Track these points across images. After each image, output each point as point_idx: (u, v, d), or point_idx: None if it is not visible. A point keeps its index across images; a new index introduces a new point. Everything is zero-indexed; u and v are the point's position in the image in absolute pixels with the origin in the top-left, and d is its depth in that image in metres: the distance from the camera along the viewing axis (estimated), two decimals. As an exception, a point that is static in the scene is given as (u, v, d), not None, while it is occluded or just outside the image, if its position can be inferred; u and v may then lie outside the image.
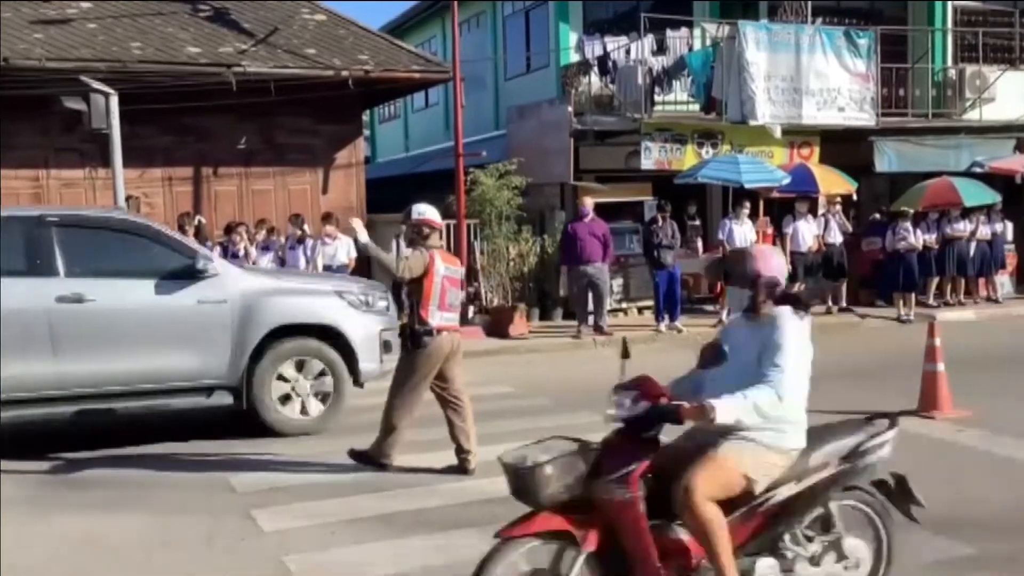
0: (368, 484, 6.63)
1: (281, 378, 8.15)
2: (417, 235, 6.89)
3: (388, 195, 17.35)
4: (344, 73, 14.18)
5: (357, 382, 8.45)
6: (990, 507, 5.88)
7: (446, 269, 6.84)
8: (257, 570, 5.15)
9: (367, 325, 8.43)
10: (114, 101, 11.52)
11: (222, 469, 7.15)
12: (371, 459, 6.96)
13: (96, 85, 11.47)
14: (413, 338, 6.75)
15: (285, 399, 8.17)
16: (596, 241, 13.53)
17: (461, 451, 6.93)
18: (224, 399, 8.04)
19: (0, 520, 5.79)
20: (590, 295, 13.59)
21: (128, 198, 12.18)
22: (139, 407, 7.93)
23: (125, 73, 12.65)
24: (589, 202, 13.91)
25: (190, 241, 9.03)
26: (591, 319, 13.64)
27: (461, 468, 6.90)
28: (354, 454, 7.05)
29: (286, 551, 5.36)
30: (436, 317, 6.73)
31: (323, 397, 8.30)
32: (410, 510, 6.05)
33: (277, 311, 8.12)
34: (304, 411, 8.26)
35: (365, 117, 20.46)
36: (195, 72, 13.33)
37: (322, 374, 8.28)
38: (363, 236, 6.76)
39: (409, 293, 6.88)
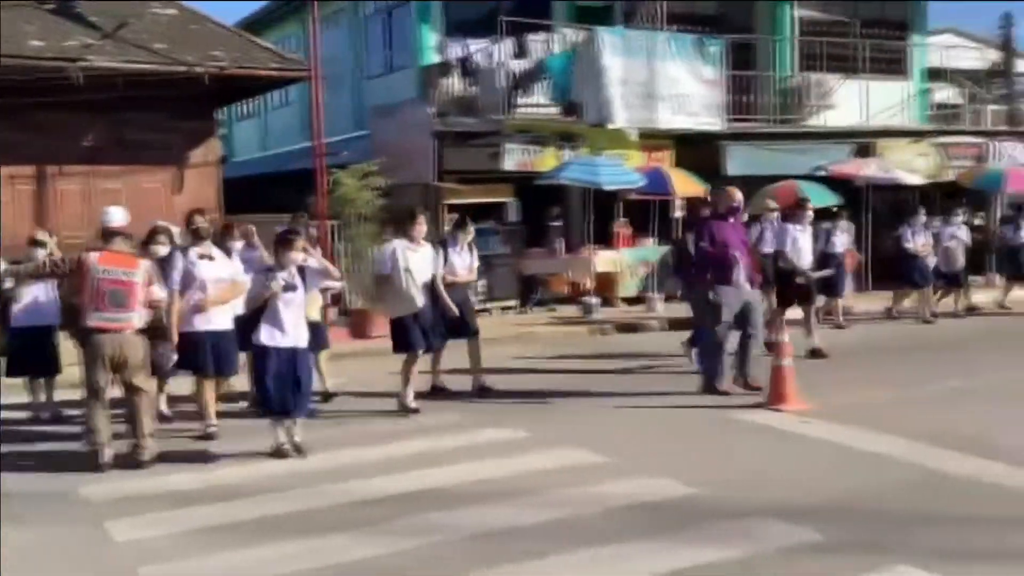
0: (243, 488, 6.49)
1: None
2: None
3: (246, 195, 16.94)
4: (199, 69, 13.78)
5: None
6: (833, 494, 6.18)
7: (103, 272, 7.00)
8: (110, 583, 4.97)
9: None
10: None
11: (71, 481, 6.83)
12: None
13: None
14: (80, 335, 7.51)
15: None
16: (746, 250, 9.58)
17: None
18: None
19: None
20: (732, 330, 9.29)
21: (-36, 197, 11.53)
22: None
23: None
24: (737, 194, 9.66)
25: None
26: (729, 363, 9.31)
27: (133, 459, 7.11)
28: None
29: (141, 561, 5.18)
30: (92, 317, 7.05)
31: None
32: (287, 513, 5.93)
33: None
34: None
35: (222, 116, 19.90)
36: (37, 67, 12.72)
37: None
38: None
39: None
